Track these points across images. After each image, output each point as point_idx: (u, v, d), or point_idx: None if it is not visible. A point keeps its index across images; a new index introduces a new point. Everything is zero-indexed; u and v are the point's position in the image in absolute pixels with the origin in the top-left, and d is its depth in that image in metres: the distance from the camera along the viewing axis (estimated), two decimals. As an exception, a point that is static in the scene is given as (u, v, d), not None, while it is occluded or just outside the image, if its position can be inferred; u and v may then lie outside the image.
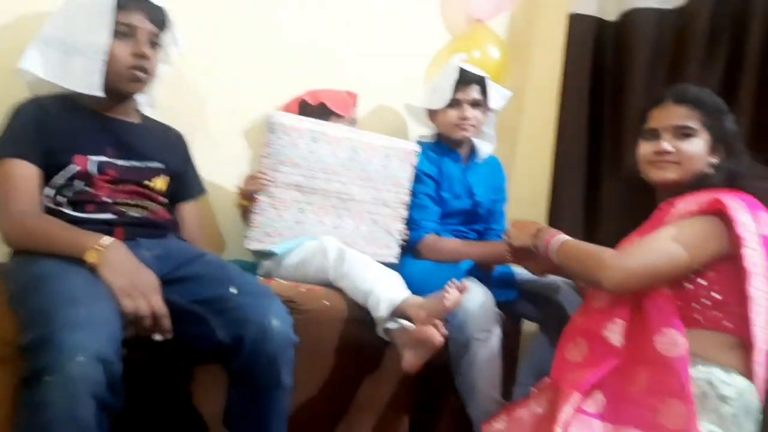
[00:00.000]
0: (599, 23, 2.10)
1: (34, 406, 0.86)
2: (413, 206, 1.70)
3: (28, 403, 0.87)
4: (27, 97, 1.26)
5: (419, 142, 1.78)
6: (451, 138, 1.77)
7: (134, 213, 1.25)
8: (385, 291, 1.33)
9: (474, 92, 1.73)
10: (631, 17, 2.00)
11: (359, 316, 1.37)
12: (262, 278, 1.50)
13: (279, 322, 1.10)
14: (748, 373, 1.06)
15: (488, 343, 1.44)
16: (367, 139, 1.64)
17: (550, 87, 2.21)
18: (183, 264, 1.20)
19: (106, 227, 1.17)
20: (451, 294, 1.28)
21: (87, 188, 1.21)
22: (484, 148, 1.86)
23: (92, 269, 1.03)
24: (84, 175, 1.21)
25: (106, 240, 1.07)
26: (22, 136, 1.19)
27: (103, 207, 1.21)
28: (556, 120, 2.18)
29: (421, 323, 1.25)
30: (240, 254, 1.68)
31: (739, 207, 1.10)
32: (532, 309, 1.71)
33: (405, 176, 1.68)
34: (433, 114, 1.80)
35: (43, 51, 1.24)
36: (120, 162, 1.26)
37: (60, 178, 1.20)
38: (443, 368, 1.44)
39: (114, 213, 1.22)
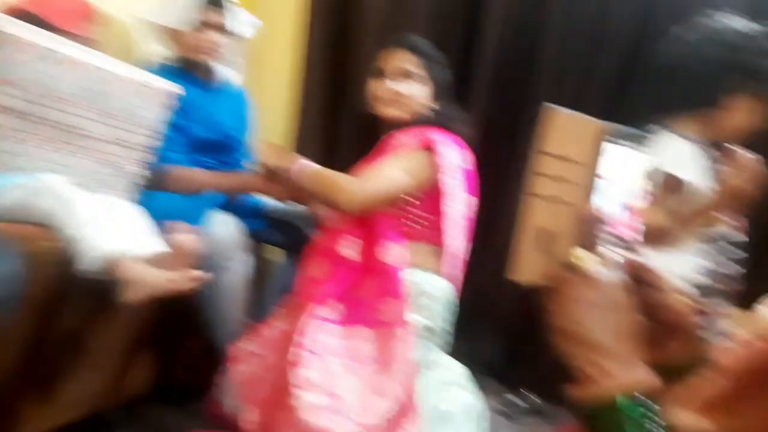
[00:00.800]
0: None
1: None
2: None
3: None
4: None
5: (158, 66, 1.65)
6: (192, 62, 1.68)
7: None
8: (102, 242, 1.16)
9: (220, 16, 1.67)
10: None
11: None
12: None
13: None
14: (445, 274, 1.34)
15: (235, 270, 1.49)
16: (120, 70, 1.41)
17: (299, 20, 2.26)
18: None
19: None
20: (180, 240, 1.19)
21: None
22: (231, 76, 1.83)
23: None
24: None
25: None
26: None
27: None
28: (303, 53, 2.25)
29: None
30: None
31: (446, 143, 1.33)
32: (280, 236, 1.80)
33: (156, 118, 1.49)
34: (172, 33, 1.68)
35: None
36: None
37: None
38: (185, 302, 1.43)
39: None
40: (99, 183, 1.44)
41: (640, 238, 0.57)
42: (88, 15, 1.56)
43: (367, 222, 1.29)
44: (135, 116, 1.46)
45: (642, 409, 0.45)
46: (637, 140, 0.56)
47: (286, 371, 1.13)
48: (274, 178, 1.38)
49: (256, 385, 1.25)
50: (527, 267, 0.52)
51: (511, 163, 1.95)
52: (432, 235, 1.33)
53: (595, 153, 0.52)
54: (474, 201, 1.40)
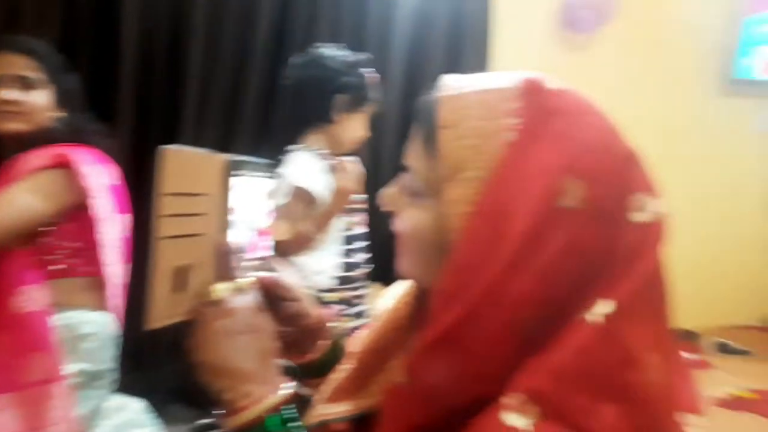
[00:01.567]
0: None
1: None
2: None
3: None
4: None
5: None
6: None
7: None
8: None
9: None
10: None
11: None
12: None
13: None
14: (105, 307, 1.21)
15: None
16: None
17: None
18: None
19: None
20: None
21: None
22: None
23: None
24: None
25: None
26: None
27: None
28: None
29: None
30: None
31: (85, 160, 1.19)
32: None
33: None
34: None
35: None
36: None
37: None
38: None
39: None
40: None
41: (273, 254, 0.62)
42: None
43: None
44: None
45: (287, 420, 0.50)
46: (257, 167, 0.60)
47: None
48: None
49: None
50: (165, 311, 0.51)
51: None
52: (82, 265, 1.19)
53: (220, 185, 0.53)
54: (127, 218, 1.29)
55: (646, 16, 2.43)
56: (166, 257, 0.50)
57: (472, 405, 0.43)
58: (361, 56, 1.49)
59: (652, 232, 0.45)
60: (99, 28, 1.86)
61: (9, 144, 1.22)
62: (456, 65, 2.12)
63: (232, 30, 1.95)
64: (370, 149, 1.99)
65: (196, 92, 1.93)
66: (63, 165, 1.16)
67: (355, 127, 1.48)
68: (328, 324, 0.66)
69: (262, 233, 0.60)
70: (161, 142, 0.53)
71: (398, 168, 0.54)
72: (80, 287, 1.18)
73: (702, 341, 2.44)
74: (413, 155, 0.51)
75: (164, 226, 0.50)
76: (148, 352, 1.82)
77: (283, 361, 0.56)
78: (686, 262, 2.50)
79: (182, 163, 0.51)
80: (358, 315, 1.51)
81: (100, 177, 1.22)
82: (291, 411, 0.51)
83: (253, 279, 0.55)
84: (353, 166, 1.42)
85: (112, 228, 1.22)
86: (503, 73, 0.49)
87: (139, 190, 1.35)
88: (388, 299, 0.65)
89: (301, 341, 0.63)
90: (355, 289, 1.50)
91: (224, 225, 0.53)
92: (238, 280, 0.53)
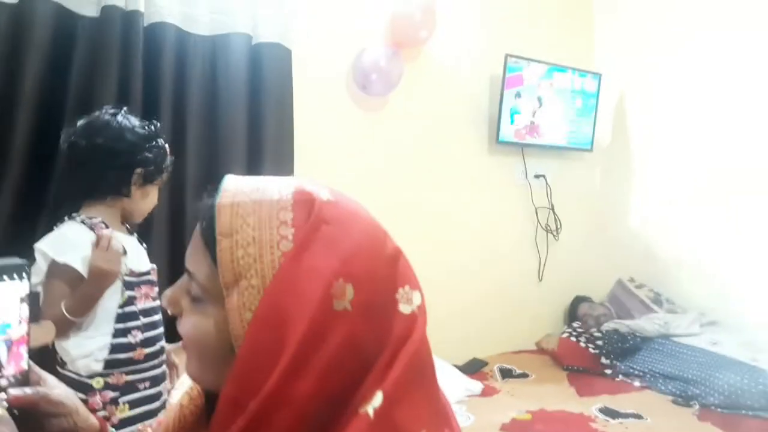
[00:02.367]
0: None
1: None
2: None
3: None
4: None
5: None
6: None
7: None
8: None
9: None
10: None
11: None
12: None
13: None
14: None
15: None
16: None
17: None
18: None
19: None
20: None
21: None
22: None
23: None
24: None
25: None
26: None
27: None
28: None
29: None
30: None
31: None
32: None
33: None
34: None
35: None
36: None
37: None
38: None
39: None
40: None
41: (26, 365, 0.56)
42: None
43: None
44: None
45: None
46: (6, 269, 0.54)
47: None
48: None
49: None
50: None
51: None
52: None
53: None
54: None
55: (428, 88, 2.77)
56: None
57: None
58: (157, 125, 1.44)
59: (417, 319, 0.51)
60: None
61: None
62: (258, 124, 2.13)
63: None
64: (169, 212, 1.90)
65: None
66: None
67: (147, 200, 1.43)
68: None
69: (18, 342, 0.53)
70: None
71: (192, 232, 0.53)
72: None
73: (489, 368, 2.75)
74: (194, 260, 0.51)
75: None
76: None
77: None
78: (470, 296, 2.84)
79: None
80: (149, 400, 1.37)
81: None
82: None
83: (11, 400, 0.49)
84: (116, 243, 1.29)
85: None
86: (278, 180, 0.53)
87: None
88: (179, 391, 0.63)
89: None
90: (135, 372, 1.35)
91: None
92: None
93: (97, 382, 1.30)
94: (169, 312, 0.54)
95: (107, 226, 1.36)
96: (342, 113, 2.54)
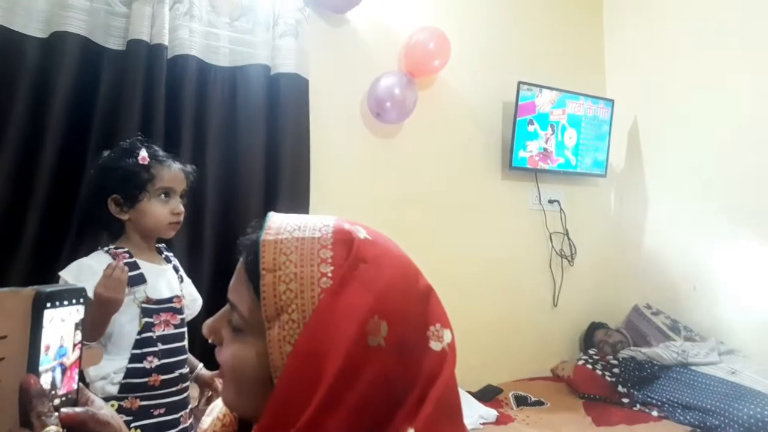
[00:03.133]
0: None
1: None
2: None
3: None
4: None
5: None
6: None
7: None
8: None
9: None
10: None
11: None
12: None
13: None
14: None
15: None
16: None
17: None
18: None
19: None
20: None
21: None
22: None
23: None
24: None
25: None
26: None
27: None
28: None
29: None
30: None
31: None
32: None
33: None
34: None
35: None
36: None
37: None
38: None
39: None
40: None
41: (76, 385, 0.58)
42: None
43: None
44: None
45: None
46: (70, 294, 0.56)
47: None
48: None
49: None
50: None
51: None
52: None
53: (24, 324, 0.50)
54: None
55: (442, 115, 2.81)
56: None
57: None
58: (132, 141, 1.46)
59: (447, 356, 0.52)
60: None
61: None
62: (276, 151, 2.17)
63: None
64: (187, 239, 1.93)
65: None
66: None
67: (148, 217, 1.42)
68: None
69: (72, 367, 0.56)
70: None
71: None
72: None
73: (504, 395, 2.72)
74: (237, 292, 0.53)
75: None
76: None
77: None
78: (484, 322, 2.83)
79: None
80: (163, 426, 1.38)
81: None
82: None
83: (64, 417, 0.51)
84: (119, 272, 1.29)
85: None
86: (318, 218, 0.55)
87: None
88: (210, 417, 0.64)
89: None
90: (149, 398, 1.36)
91: (29, 367, 0.49)
92: (49, 427, 0.49)
93: (111, 405, 1.31)
94: (209, 341, 0.55)
95: (131, 256, 1.39)
96: (357, 140, 2.58)
